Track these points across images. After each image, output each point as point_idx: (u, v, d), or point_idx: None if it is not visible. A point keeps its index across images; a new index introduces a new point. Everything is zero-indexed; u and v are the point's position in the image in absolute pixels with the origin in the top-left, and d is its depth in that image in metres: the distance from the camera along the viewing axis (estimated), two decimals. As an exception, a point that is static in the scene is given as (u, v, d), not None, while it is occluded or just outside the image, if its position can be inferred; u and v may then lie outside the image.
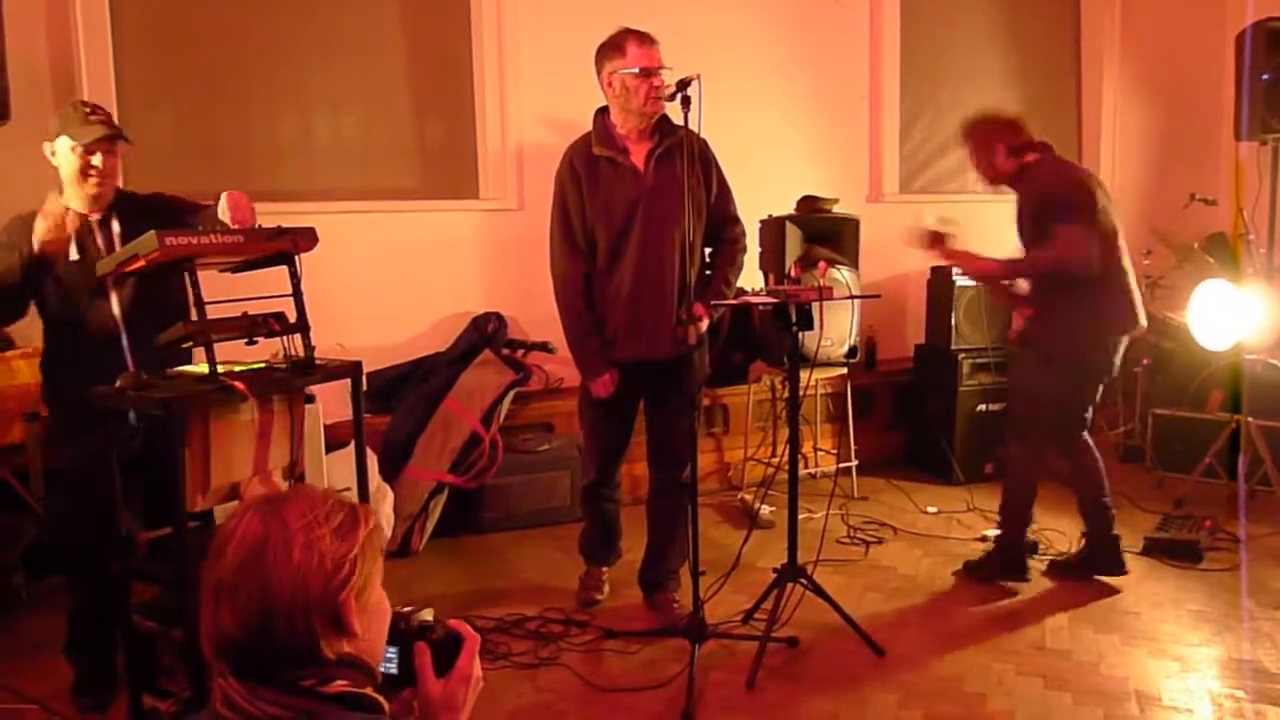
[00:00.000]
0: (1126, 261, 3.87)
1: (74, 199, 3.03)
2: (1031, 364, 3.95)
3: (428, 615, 1.46)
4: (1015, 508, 4.04)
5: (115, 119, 3.10)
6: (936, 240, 3.87)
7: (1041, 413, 3.94)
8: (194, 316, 2.66)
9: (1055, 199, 3.73)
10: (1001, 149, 3.86)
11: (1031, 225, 3.81)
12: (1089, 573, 4.04)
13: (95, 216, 3.04)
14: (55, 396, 3.18)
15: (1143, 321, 3.90)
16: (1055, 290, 3.78)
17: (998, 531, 4.15)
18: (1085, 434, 4.00)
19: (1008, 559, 4.06)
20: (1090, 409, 3.96)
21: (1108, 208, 3.81)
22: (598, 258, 3.57)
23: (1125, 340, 3.89)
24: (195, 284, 2.67)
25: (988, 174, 3.96)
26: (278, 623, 1.21)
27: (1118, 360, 3.89)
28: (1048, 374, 3.88)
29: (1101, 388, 3.95)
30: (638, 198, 3.50)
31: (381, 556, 1.34)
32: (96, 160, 2.96)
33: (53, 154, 3.00)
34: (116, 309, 3.01)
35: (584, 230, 3.56)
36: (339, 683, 1.26)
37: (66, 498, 3.18)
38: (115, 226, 3.05)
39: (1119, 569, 4.01)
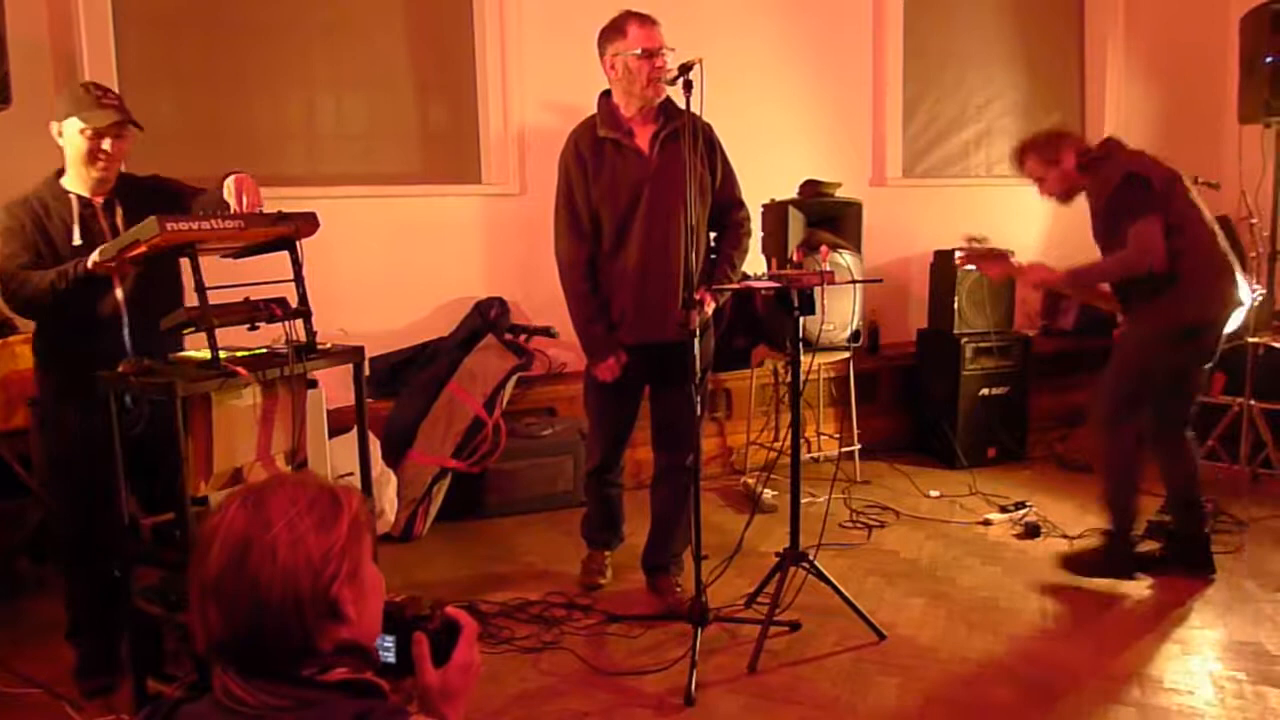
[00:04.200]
0: (1222, 239, 3.71)
1: (76, 182, 3.01)
2: (1137, 340, 3.79)
3: (425, 604, 1.46)
4: (1121, 498, 3.85)
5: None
6: (994, 257, 3.84)
7: (1143, 392, 3.76)
8: (196, 302, 2.65)
9: (1132, 187, 3.57)
10: (1072, 151, 3.77)
11: (1104, 223, 3.70)
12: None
13: (99, 200, 3.02)
14: (50, 380, 3.12)
15: (1242, 298, 3.70)
16: (1140, 283, 3.64)
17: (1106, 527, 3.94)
18: (1188, 430, 3.83)
19: (1115, 557, 3.89)
20: (1196, 398, 3.81)
21: (1194, 192, 3.68)
22: (602, 240, 3.57)
23: (1230, 321, 3.71)
24: (197, 269, 2.67)
25: (1058, 183, 3.82)
26: (269, 624, 1.20)
27: (1219, 347, 3.73)
28: (1128, 349, 3.78)
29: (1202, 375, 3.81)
30: (642, 180, 3.50)
31: (369, 533, 1.33)
32: (107, 145, 2.93)
33: (59, 134, 2.95)
34: (119, 292, 2.97)
35: (589, 213, 3.55)
36: (339, 670, 1.26)
37: (66, 486, 3.15)
38: (118, 210, 3.02)
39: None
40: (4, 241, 2.93)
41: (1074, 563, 3.98)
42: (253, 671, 1.23)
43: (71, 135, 2.93)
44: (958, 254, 3.86)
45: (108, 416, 2.72)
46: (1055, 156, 3.79)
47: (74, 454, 3.01)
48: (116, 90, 3.11)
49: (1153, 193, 3.57)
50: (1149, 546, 4.01)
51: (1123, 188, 3.59)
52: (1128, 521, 3.87)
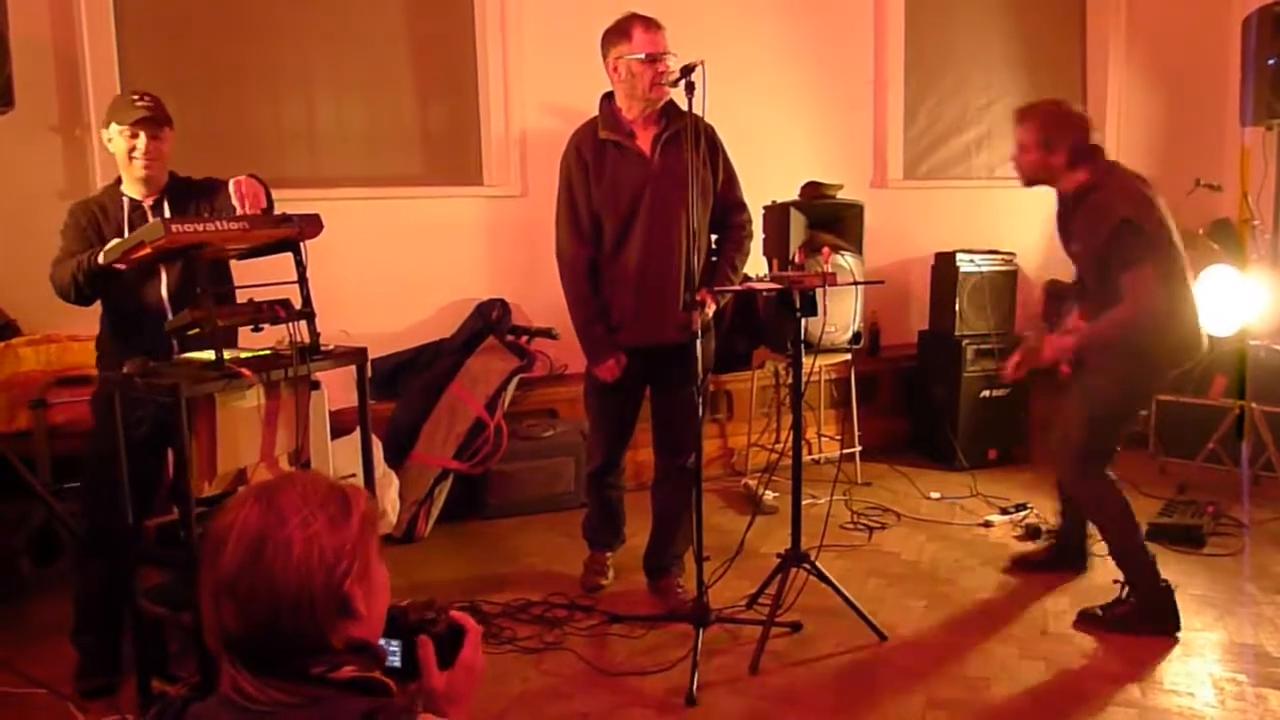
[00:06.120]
0: (1190, 280, 3.51)
1: (128, 185, 3.16)
2: (1118, 382, 3.54)
3: (429, 608, 1.46)
4: (1130, 548, 3.54)
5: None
6: (1027, 352, 3.65)
7: (1084, 435, 3.57)
8: (201, 303, 2.67)
9: (1125, 234, 3.30)
10: (1067, 147, 3.46)
11: (1093, 256, 3.46)
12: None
13: (149, 201, 3.14)
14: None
15: (1206, 345, 3.54)
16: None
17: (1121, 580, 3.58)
18: (1109, 470, 3.59)
19: (1150, 607, 3.48)
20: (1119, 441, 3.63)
21: (1170, 224, 3.44)
22: (604, 242, 3.57)
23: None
24: (202, 271, 2.68)
25: (1037, 167, 3.53)
26: (284, 619, 1.22)
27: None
28: (1103, 396, 3.54)
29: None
30: (644, 182, 3.50)
31: (377, 532, 1.34)
32: (140, 142, 3.07)
33: (109, 141, 3.13)
34: (165, 291, 3.08)
35: (590, 215, 3.56)
36: (348, 668, 1.27)
37: (112, 477, 3.18)
38: (166, 211, 3.14)
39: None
40: (63, 236, 3.11)
41: (1103, 620, 3.54)
42: (264, 668, 1.24)
43: (114, 139, 3.10)
44: (1009, 370, 3.74)
45: (117, 416, 2.74)
46: (1055, 142, 3.47)
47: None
48: (113, 96, 3.21)
49: (1144, 238, 3.32)
50: (1036, 547, 4.21)
51: (1115, 237, 3.33)
52: (1148, 562, 3.52)
